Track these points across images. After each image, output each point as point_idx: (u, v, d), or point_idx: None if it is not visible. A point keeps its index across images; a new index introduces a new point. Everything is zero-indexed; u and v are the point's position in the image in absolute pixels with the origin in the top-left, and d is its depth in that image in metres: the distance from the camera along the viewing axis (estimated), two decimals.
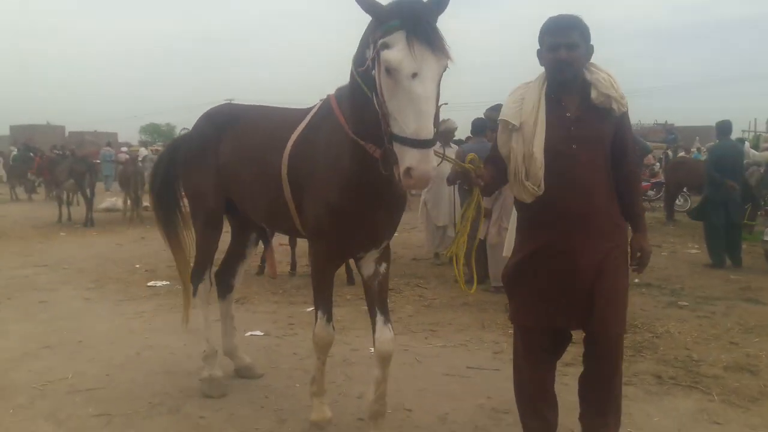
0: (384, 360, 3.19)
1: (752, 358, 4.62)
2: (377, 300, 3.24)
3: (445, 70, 2.42)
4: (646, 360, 4.60)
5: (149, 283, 7.49)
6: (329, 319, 3.26)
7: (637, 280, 7.10)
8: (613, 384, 3.03)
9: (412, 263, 8.86)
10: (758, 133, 22.61)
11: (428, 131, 2.33)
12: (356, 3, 2.44)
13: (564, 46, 2.80)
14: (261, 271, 7.78)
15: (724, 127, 9.07)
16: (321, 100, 3.28)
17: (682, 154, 17.96)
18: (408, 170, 2.34)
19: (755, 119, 22.93)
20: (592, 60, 2.94)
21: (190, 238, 4.27)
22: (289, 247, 8.02)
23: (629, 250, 2.98)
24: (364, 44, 2.62)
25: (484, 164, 3.06)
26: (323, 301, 3.24)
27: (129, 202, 14.42)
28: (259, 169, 3.45)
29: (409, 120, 2.33)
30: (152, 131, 64.25)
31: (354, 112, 2.80)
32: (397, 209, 3.18)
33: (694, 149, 21.94)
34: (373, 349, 4.46)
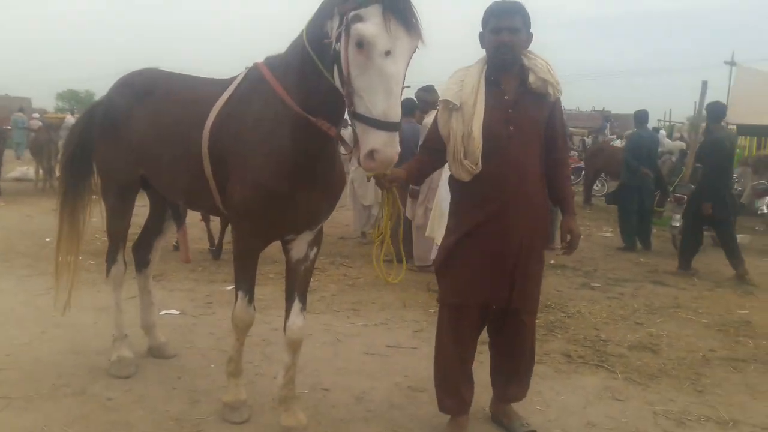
0: (295, 346, 3.16)
1: (654, 338, 4.88)
2: (299, 285, 3.15)
3: (415, 51, 2.35)
4: (557, 339, 4.78)
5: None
6: (251, 300, 3.12)
7: (552, 261, 7.36)
8: (528, 355, 3.25)
9: (339, 242, 8.83)
10: (672, 123, 23.78)
11: (397, 113, 2.27)
12: None
13: (506, 30, 2.91)
14: (177, 248, 7.49)
15: (641, 117, 9.50)
16: (246, 69, 3.10)
17: (616, 141, 18.66)
18: (371, 152, 2.26)
19: (670, 109, 24.17)
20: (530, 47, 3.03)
21: (89, 217, 4.06)
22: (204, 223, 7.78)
23: (560, 232, 3.14)
24: (325, 14, 2.50)
25: (419, 150, 3.13)
26: (245, 282, 3.09)
27: (41, 171, 13.64)
28: (177, 144, 3.23)
29: (378, 100, 2.25)
30: (70, 98, 60.92)
31: (302, 86, 2.67)
32: (336, 190, 3.05)
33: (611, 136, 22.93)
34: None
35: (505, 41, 2.91)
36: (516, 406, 3.35)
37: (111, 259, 3.90)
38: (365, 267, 7.23)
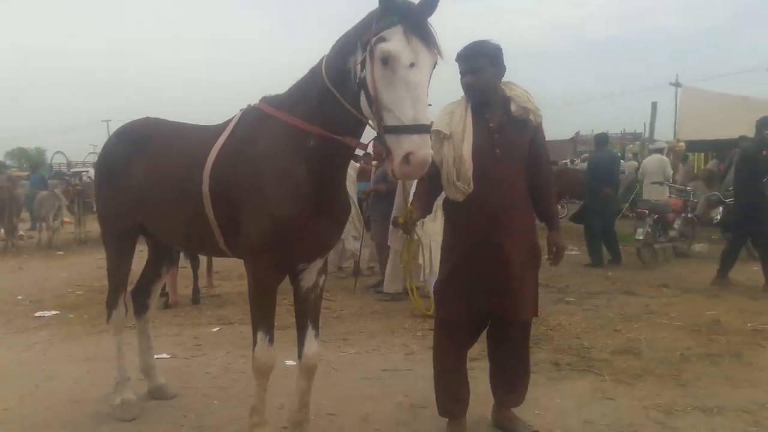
0: (311, 372, 3.26)
1: (634, 342, 5.13)
2: (311, 313, 3.24)
3: (435, 66, 2.57)
4: (544, 350, 4.98)
5: (37, 314, 7.01)
6: (271, 340, 3.09)
7: None
8: (525, 362, 3.48)
9: None
10: (624, 144, 24.77)
11: (426, 116, 2.46)
12: None
13: (469, 72, 3.20)
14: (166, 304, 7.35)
15: (600, 139, 10.08)
16: (240, 111, 3.24)
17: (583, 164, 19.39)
18: (407, 156, 2.40)
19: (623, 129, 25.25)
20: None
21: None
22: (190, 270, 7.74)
23: (547, 245, 3.40)
24: (348, 50, 2.71)
25: (418, 182, 3.37)
26: (265, 321, 3.08)
27: (2, 231, 13.35)
28: (175, 189, 3.32)
29: (407, 107, 2.43)
30: (19, 156, 59.64)
31: (321, 117, 2.83)
32: (345, 215, 3.18)
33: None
34: (289, 362, 4.54)
35: (467, 83, 3.24)
36: (516, 411, 3.51)
37: (112, 303, 3.94)
38: (347, 299, 7.34)
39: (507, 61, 3.29)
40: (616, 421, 3.58)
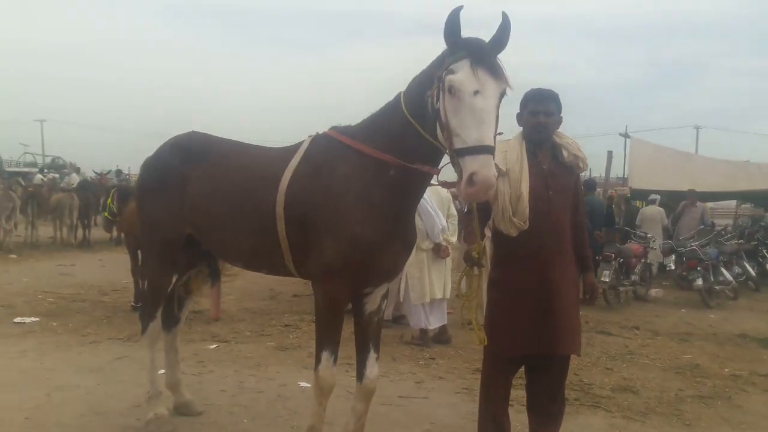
0: (370, 394, 3.35)
1: (629, 381, 5.43)
2: (374, 336, 3.34)
3: (503, 94, 2.75)
4: None
5: (16, 320, 6.76)
6: (335, 360, 3.18)
7: None
8: (561, 396, 3.64)
9: (295, 300, 8.89)
10: None
11: (489, 138, 2.63)
12: (444, 27, 2.70)
13: (543, 113, 3.41)
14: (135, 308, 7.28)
15: (591, 184, 11.01)
16: (310, 137, 3.38)
17: None
18: (471, 176, 2.56)
19: None
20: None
21: None
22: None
23: (582, 286, 3.61)
24: (425, 85, 2.90)
25: (467, 215, 3.56)
26: (332, 342, 3.18)
27: None
28: (241, 206, 3.38)
29: (471, 131, 2.62)
30: None
31: (400, 146, 3.00)
32: (414, 241, 3.33)
33: None
34: (303, 383, 4.58)
35: (541, 122, 3.45)
36: None
37: (149, 315, 3.92)
38: None
39: None
40: None
